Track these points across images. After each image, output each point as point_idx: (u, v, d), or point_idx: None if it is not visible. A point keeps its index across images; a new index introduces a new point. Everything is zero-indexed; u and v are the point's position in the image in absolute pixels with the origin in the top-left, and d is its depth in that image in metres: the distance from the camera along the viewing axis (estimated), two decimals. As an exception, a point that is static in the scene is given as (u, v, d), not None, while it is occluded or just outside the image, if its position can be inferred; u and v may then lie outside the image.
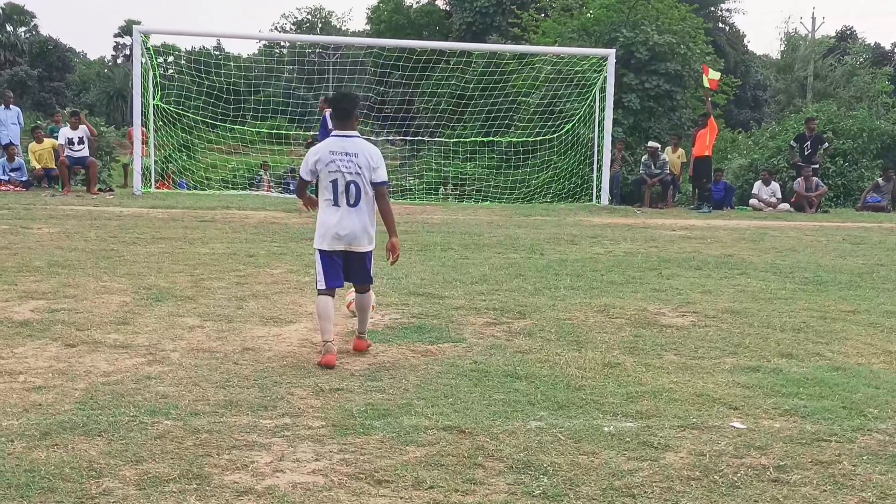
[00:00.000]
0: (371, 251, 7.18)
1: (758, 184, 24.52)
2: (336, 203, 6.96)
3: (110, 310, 8.48)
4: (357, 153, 6.95)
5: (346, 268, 7.13)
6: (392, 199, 25.16)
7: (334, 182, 6.94)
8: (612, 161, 24.17)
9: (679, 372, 6.92)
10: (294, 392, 6.17)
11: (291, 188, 29.22)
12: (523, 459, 4.99)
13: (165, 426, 5.38)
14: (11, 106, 23.44)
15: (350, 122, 7.09)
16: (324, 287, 7.06)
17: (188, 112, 25.59)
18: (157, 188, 23.59)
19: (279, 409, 5.80)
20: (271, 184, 31.05)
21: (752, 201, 24.07)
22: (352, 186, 6.92)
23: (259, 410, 5.75)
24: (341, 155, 6.94)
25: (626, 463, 5.01)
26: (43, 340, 7.34)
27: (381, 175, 7.04)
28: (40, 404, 5.73)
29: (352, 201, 6.93)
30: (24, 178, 22.02)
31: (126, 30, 76.68)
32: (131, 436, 5.19)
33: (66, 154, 21.40)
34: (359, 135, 7.08)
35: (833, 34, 60.61)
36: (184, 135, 25.66)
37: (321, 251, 7.03)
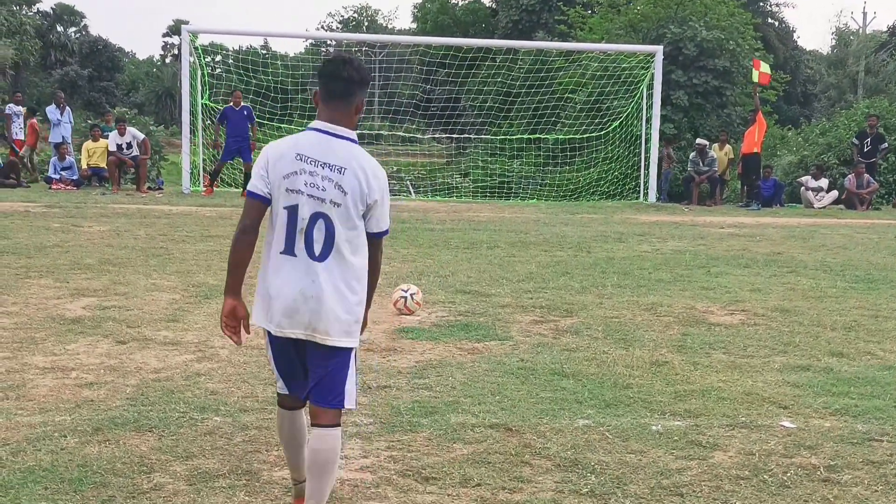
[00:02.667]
0: (349, 352, 4.06)
1: (807, 177, 24.23)
2: (289, 250, 3.94)
3: (160, 307, 8.57)
4: (344, 167, 3.92)
5: (302, 370, 4.12)
6: (438, 198, 24.47)
7: (291, 211, 3.93)
8: (660, 160, 24.02)
9: (728, 370, 6.86)
10: (341, 389, 6.19)
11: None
12: (571, 457, 4.98)
13: (215, 422, 5.44)
14: (63, 105, 23.80)
15: (344, 109, 4.04)
16: (284, 391, 4.25)
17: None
18: (205, 186, 23.78)
19: (327, 406, 5.81)
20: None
21: (801, 189, 23.85)
22: (320, 224, 3.91)
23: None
24: (314, 165, 3.93)
25: (674, 462, 4.98)
26: (94, 337, 7.44)
27: (382, 220, 4.07)
28: (92, 400, 5.81)
29: (316, 251, 3.92)
30: (74, 177, 22.32)
31: (174, 29, 77.50)
32: (181, 432, 5.25)
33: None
34: (355, 137, 4.06)
35: (885, 29, 59.65)
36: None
37: (270, 335, 4.09)
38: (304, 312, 3.91)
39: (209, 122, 23.70)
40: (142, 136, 22.37)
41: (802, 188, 23.97)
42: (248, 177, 20.62)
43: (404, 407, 5.83)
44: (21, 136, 24.04)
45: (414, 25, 63.49)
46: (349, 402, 4.08)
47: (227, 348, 7.20)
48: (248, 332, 4.12)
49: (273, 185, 3.94)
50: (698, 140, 24.72)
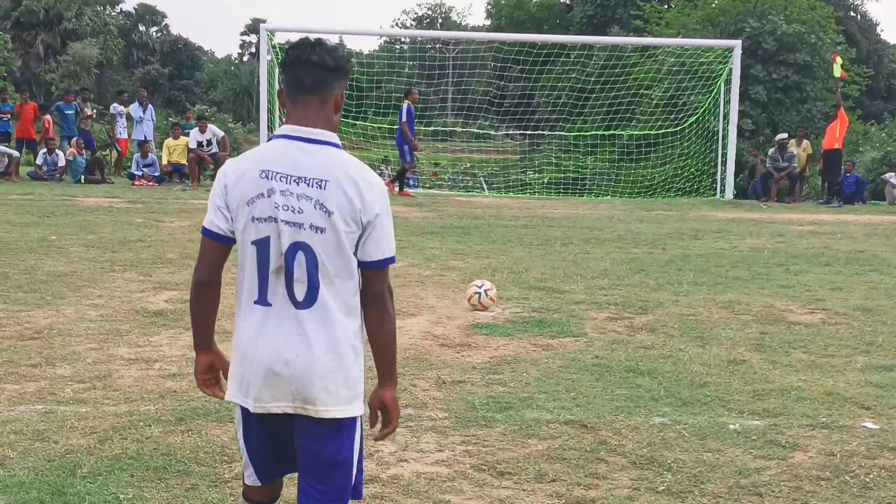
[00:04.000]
0: (352, 422, 3.17)
1: (891, 174, 23.70)
2: (263, 297, 3.09)
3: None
4: (325, 180, 3.03)
5: (288, 451, 3.21)
6: (511, 194, 24.32)
7: (261, 246, 3.07)
8: (753, 166, 23.73)
9: (808, 370, 6.76)
10: (417, 384, 6.24)
11: (411, 182, 29.50)
12: (647, 455, 4.96)
13: (292, 415, 5.50)
14: (145, 103, 24.27)
15: (319, 105, 3.14)
16: (254, 482, 3.33)
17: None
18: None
19: (402, 400, 5.85)
20: (391, 179, 31.34)
21: (886, 187, 23.33)
22: (300, 258, 3.04)
23: (383, 401, 5.82)
24: (286, 181, 3.04)
25: (752, 461, 4.92)
26: (176, 329, 7.58)
27: (383, 243, 3.11)
28: (175, 391, 5.94)
29: (298, 294, 3.05)
30: (156, 174, 22.75)
31: (252, 28, 78.57)
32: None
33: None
34: (337, 140, 3.15)
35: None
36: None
37: (244, 413, 3.20)
38: (288, 379, 3.02)
39: (285, 119, 23.96)
40: (221, 133, 22.71)
41: (887, 185, 23.43)
42: (401, 174, 21.03)
43: (479, 402, 5.85)
44: (125, 136, 24.55)
45: (488, 22, 63.45)
46: (356, 493, 3.24)
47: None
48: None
49: (235, 215, 3.06)
50: (779, 135, 24.32)
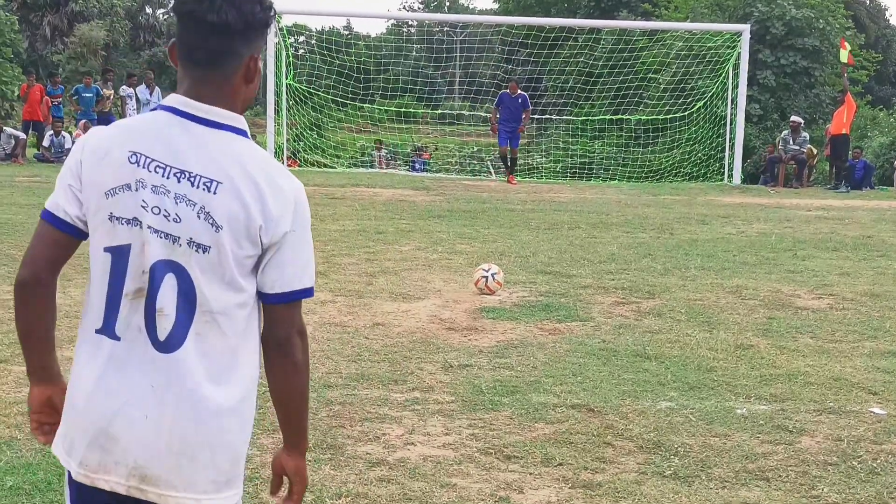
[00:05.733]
0: None
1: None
2: (109, 327, 2.24)
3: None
4: (216, 180, 2.19)
5: None
6: (519, 178, 24.34)
7: (117, 257, 2.23)
8: (773, 161, 23.69)
9: (815, 355, 6.75)
10: (423, 367, 6.25)
11: (417, 167, 29.46)
12: (653, 439, 4.96)
13: (300, 397, 5.51)
14: (152, 85, 24.23)
15: (219, 75, 2.26)
16: None
17: (318, 91, 26.03)
18: (289, 166, 24.10)
19: (409, 384, 5.88)
20: (386, 161, 31.21)
21: (894, 172, 23.30)
22: (170, 282, 2.20)
23: (390, 384, 5.85)
24: (163, 173, 2.20)
25: (759, 446, 4.92)
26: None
27: (288, 271, 2.28)
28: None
29: (161, 332, 2.20)
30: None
31: (259, 10, 78.33)
32: (267, 406, 5.31)
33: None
34: (240, 125, 2.29)
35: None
36: (314, 114, 26.10)
37: (69, 476, 2.32)
38: (127, 446, 2.19)
39: (292, 102, 23.94)
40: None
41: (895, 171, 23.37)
42: (513, 161, 21.37)
43: (486, 386, 5.85)
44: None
45: (496, 5, 63.21)
46: None
47: (311, 325, 7.28)
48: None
49: (88, 206, 2.23)
50: (793, 117, 24.23)
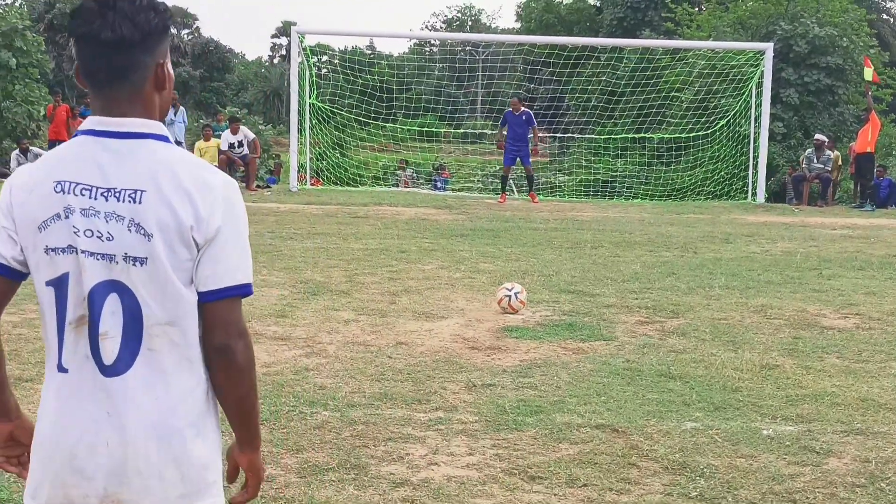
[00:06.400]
0: None
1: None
2: (60, 362, 2.23)
3: (269, 303, 8.72)
4: (141, 189, 2.17)
5: None
6: (541, 197, 24.29)
7: (58, 289, 2.21)
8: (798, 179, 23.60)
9: (842, 375, 6.69)
10: (447, 387, 6.24)
11: (438, 186, 29.50)
12: (679, 460, 4.92)
13: (324, 416, 5.52)
14: (177, 105, 24.37)
15: (128, 89, 2.22)
16: None
17: (341, 110, 26.16)
18: (312, 185, 24.19)
19: (433, 403, 5.87)
20: (410, 181, 31.30)
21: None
22: (112, 303, 2.19)
23: (413, 404, 5.84)
24: (90, 195, 2.18)
25: (786, 467, 4.88)
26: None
27: (229, 264, 2.23)
28: (205, 392, 5.95)
29: (107, 356, 2.19)
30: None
31: (283, 30, 78.90)
32: (291, 425, 5.34)
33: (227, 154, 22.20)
34: (160, 130, 2.26)
35: None
36: (337, 133, 26.21)
37: None
38: (93, 475, 2.18)
39: (315, 121, 24.05)
40: (252, 135, 22.83)
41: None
42: (530, 179, 21.50)
43: (509, 405, 5.83)
44: None
45: (518, 24, 63.46)
46: None
47: (334, 344, 7.29)
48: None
49: (24, 244, 2.21)
50: (817, 135, 24.13)
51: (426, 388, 6.19)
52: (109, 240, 2.15)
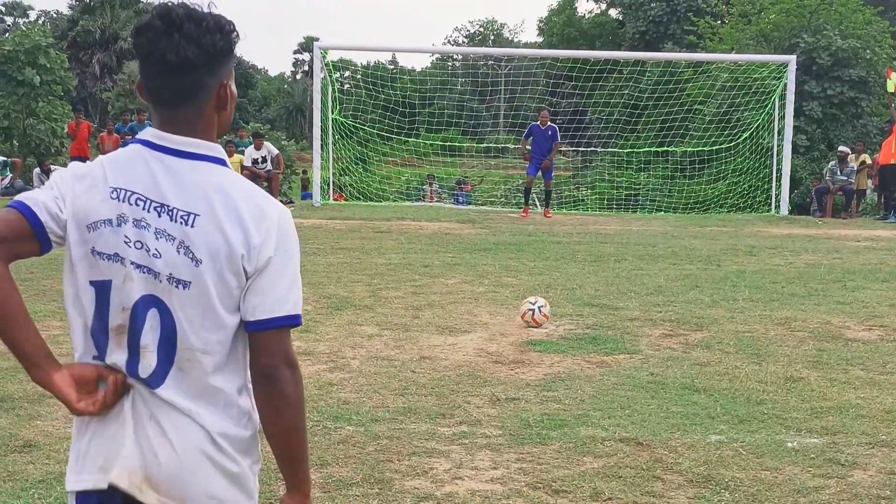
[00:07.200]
0: None
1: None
2: (102, 360, 2.22)
3: (293, 317, 8.75)
4: (194, 213, 2.17)
5: None
6: (564, 210, 24.19)
7: (101, 291, 2.20)
8: (822, 192, 23.55)
9: (866, 387, 6.67)
10: (470, 401, 6.25)
11: (460, 200, 29.55)
12: (703, 473, 4.92)
13: (347, 431, 5.55)
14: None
15: (191, 109, 2.23)
16: None
17: (364, 125, 26.27)
18: (335, 200, 24.29)
19: (456, 418, 5.89)
20: (437, 195, 31.36)
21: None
22: (153, 318, 2.19)
23: (437, 418, 5.86)
24: (143, 207, 2.18)
25: (811, 480, 4.87)
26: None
27: (270, 297, 2.21)
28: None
29: (144, 369, 2.19)
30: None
31: (305, 46, 79.23)
32: (315, 440, 5.37)
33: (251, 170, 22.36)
34: (218, 153, 2.26)
35: None
36: (359, 148, 26.32)
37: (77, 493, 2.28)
38: (132, 466, 2.19)
39: (338, 136, 24.17)
40: (276, 151, 22.99)
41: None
42: (548, 195, 21.49)
43: (533, 419, 5.84)
44: None
45: (540, 39, 63.48)
46: None
47: (357, 359, 7.33)
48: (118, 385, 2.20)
49: (69, 233, 2.17)
50: (840, 147, 24.06)
51: (450, 402, 6.21)
52: (157, 257, 2.14)
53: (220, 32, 2.19)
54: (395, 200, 26.22)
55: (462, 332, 8.37)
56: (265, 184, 22.94)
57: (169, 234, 2.13)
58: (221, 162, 2.24)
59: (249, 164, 22.20)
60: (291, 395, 2.22)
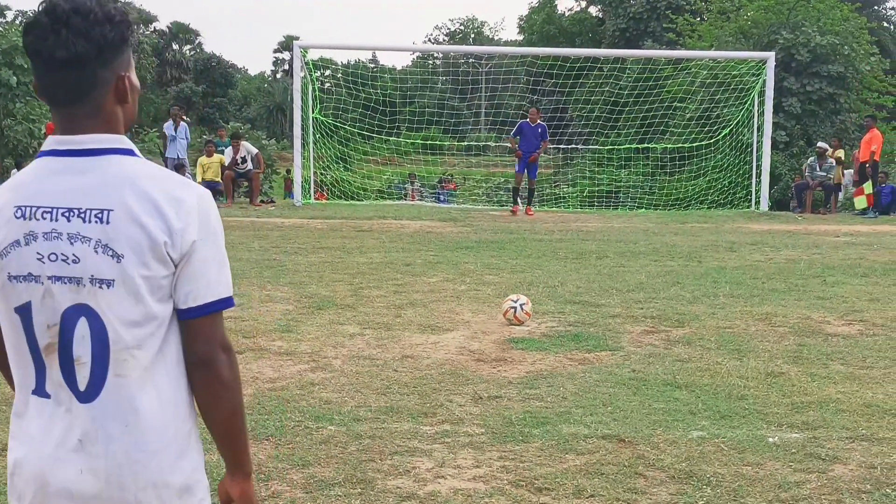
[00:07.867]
0: None
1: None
2: (41, 387, 2.16)
3: (274, 317, 8.75)
4: (108, 209, 2.08)
5: None
6: (546, 208, 24.26)
7: (25, 316, 2.14)
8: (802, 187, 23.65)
9: (846, 382, 6.70)
10: (453, 399, 6.25)
11: (441, 199, 29.54)
12: (685, 469, 4.93)
13: (329, 431, 5.54)
14: (177, 121, 24.27)
15: (89, 105, 2.13)
16: None
17: (345, 124, 26.23)
18: (317, 199, 24.25)
19: (439, 416, 5.88)
20: (418, 194, 31.34)
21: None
22: (82, 328, 2.11)
23: (419, 417, 5.85)
24: (52, 217, 2.10)
25: (792, 474, 4.89)
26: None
27: (201, 283, 2.17)
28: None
29: (81, 381, 2.12)
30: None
31: (285, 45, 79.04)
32: (297, 440, 5.36)
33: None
34: (124, 144, 2.17)
35: None
36: (340, 147, 26.28)
37: None
38: (73, 502, 2.13)
39: (319, 135, 24.12)
40: (255, 150, 22.88)
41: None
42: (531, 193, 21.51)
43: (516, 417, 5.85)
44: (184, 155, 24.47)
45: (520, 36, 63.57)
46: None
47: (339, 358, 7.32)
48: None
49: None
50: (819, 143, 24.18)
51: (432, 400, 6.21)
52: (76, 262, 2.07)
53: (110, 23, 2.09)
54: (375, 199, 26.19)
55: (444, 330, 8.37)
56: (246, 184, 22.89)
57: (84, 236, 2.07)
58: (129, 153, 2.16)
59: (228, 163, 22.10)
60: (229, 379, 2.19)
